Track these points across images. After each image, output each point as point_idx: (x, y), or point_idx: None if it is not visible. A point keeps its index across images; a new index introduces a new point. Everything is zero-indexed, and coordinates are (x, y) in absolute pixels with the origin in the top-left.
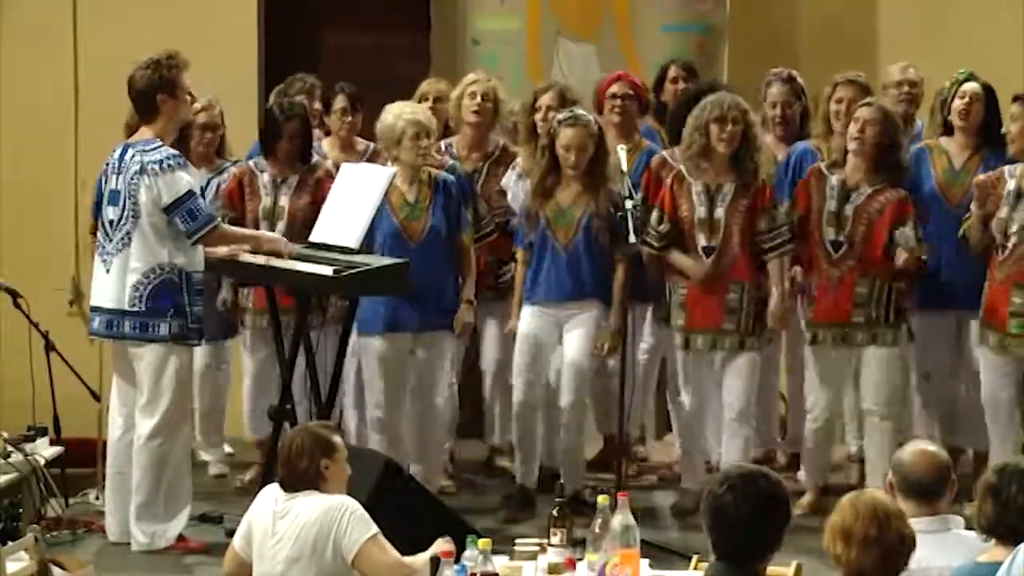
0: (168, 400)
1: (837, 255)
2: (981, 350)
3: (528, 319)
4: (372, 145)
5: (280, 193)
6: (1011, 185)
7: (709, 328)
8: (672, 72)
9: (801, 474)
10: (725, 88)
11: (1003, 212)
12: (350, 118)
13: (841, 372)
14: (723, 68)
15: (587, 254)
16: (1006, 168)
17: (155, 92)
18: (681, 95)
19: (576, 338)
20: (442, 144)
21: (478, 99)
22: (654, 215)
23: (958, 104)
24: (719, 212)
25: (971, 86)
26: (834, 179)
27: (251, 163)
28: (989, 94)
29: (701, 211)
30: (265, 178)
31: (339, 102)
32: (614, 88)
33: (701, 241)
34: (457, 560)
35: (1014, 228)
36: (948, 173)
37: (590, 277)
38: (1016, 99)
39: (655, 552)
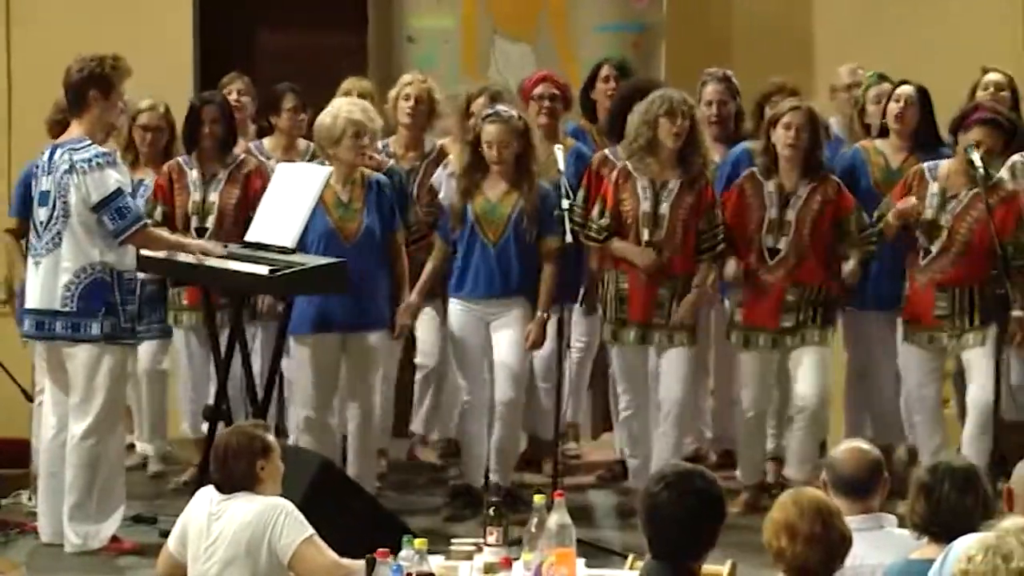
0: (102, 400)
1: (773, 262)
2: (905, 347)
3: (457, 316)
4: (313, 144)
5: (210, 189)
6: (934, 188)
7: (642, 322)
8: (604, 71)
9: (739, 473)
10: (663, 85)
11: (928, 214)
12: (302, 116)
13: (771, 369)
14: (660, 68)
15: (516, 251)
16: (925, 167)
17: (89, 87)
18: (618, 92)
19: (507, 338)
20: (379, 144)
21: (411, 101)
22: (595, 210)
23: (893, 107)
24: (664, 208)
25: (906, 89)
26: (771, 185)
27: (180, 159)
28: (923, 95)
29: (646, 206)
30: (194, 175)
31: (289, 101)
32: (539, 89)
33: (644, 236)
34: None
35: (943, 233)
36: (885, 173)
37: (518, 274)
38: None
39: (591, 551)
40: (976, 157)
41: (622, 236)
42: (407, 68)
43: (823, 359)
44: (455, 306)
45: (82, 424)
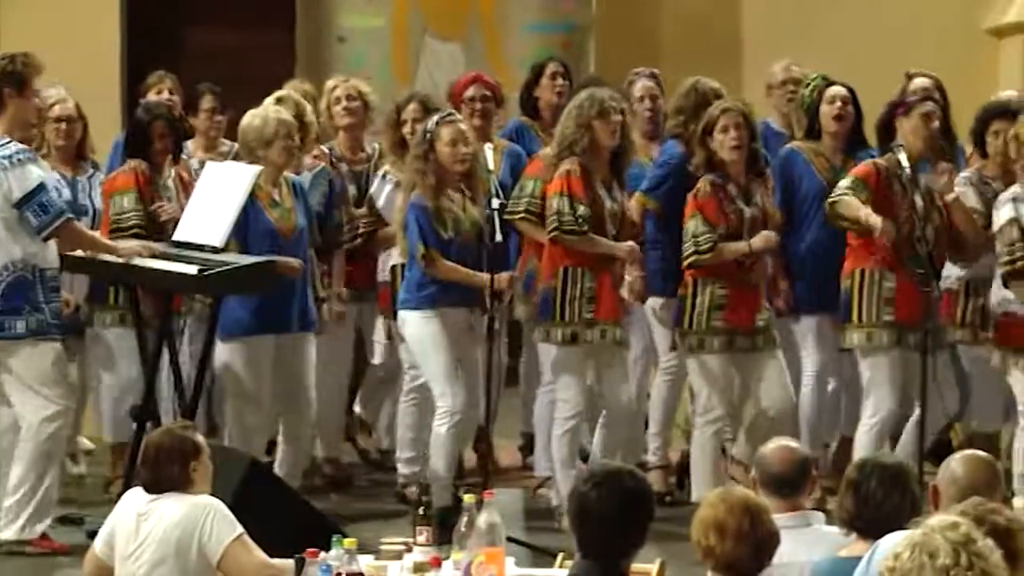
0: (48, 390)
1: (748, 261)
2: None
3: (438, 324)
4: (236, 146)
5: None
6: (895, 187)
7: (613, 320)
8: (551, 69)
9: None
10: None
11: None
12: (219, 117)
13: (733, 374)
14: (589, 67)
15: (480, 255)
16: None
17: (2, 85)
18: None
19: (468, 342)
20: (325, 148)
21: (344, 102)
22: (565, 202)
23: (830, 109)
24: (616, 206)
25: (839, 90)
26: (732, 187)
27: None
28: (852, 95)
29: (608, 203)
30: None
31: (207, 102)
32: (471, 91)
33: (611, 232)
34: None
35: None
36: (832, 173)
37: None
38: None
39: (520, 550)
40: (903, 158)
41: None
42: (336, 67)
43: (783, 364)
44: (432, 313)
45: (39, 415)
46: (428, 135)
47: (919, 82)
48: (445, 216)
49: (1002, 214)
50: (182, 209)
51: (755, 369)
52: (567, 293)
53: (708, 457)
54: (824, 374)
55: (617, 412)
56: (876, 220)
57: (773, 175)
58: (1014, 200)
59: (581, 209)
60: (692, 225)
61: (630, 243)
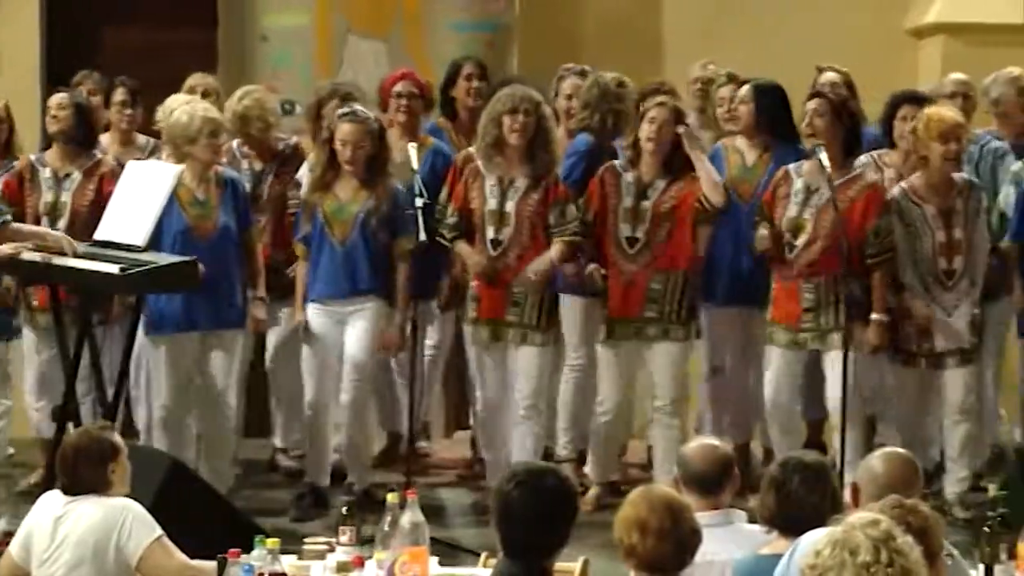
0: None
1: (633, 251)
2: (769, 348)
3: (312, 317)
4: (153, 141)
5: (62, 189)
6: (799, 184)
7: (494, 319)
8: (467, 70)
9: (588, 468)
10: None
11: (792, 211)
12: (130, 111)
13: (632, 366)
14: (513, 66)
15: (364, 251)
16: (791, 167)
17: None
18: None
19: (357, 336)
20: (233, 144)
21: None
22: (448, 209)
23: (720, 112)
24: (509, 205)
25: (725, 91)
26: (629, 177)
27: (32, 157)
28: (772, 91)
29: (492, 203)
30: (47, 173)
31: (118, 95)
32: (399, 87)
33: (489, 233)
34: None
35: (808, 227)
36: (740, 170)
37: (367, 274)
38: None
39: (444, 549)
40: (823, 157)
41: (471, 235)
42: (258, 66)
43: (683, 354)
44: (311, 308)
45: None
46: (331, 126)
47: (827, 76)
48: (323, 208)
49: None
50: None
51: (647, 359)
52: (464, 292)
53: (602, 444)
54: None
55: (520, 406)
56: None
57: None
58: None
59: (452, 218)
60: (571, 209)
61: (478, 259)
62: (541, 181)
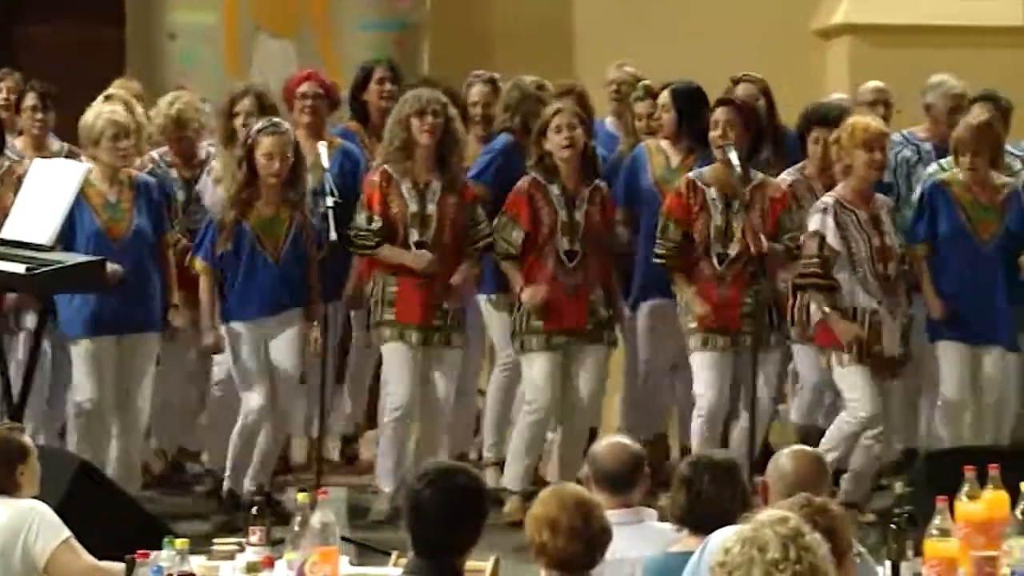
0: None
1: (572, 264)
2: (699, 354)
3: (241, 339)
4: (67, 145)
5: None
6: (712, 192)
7: (422, 324)
8: (378, 73)
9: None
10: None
11: (717, 220)
12: (41, 115)
13: (567, 368)
14: (423, 66)
15: (297, 264)
16: (692, 175)
17: None
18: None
19: (285, 345)
20: (155, 154)
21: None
22: (363, 216)
23: (644, 122)
24: (430, 208)
25: (642, 106)
26: (555, 189)
27: None
28: (691, 95)
29: (413, 207)
30: None
31: (29, 100)
32: (304, 88)
33: (413, 236)
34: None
35: (738, 234)
36: (664, 171)
37: (299, 286)
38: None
39: (355, 549)
40: (733, 157)
41: (392, 239)
42: (166, 65)
43: (605, 359)
44: (237, 328)
45: None
46: (249, 141)
47: (742, 88)
48: (250, 225)
49: (810, 224)
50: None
51: (579, 364)
52: (374, 295)
53: (525, 447)
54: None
55: (432, 408)
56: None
57: (619, 174)
58: (824, 212)
59: (373, 223)
60: (498, 223)
61: (419, 253)
62: (455, 182)
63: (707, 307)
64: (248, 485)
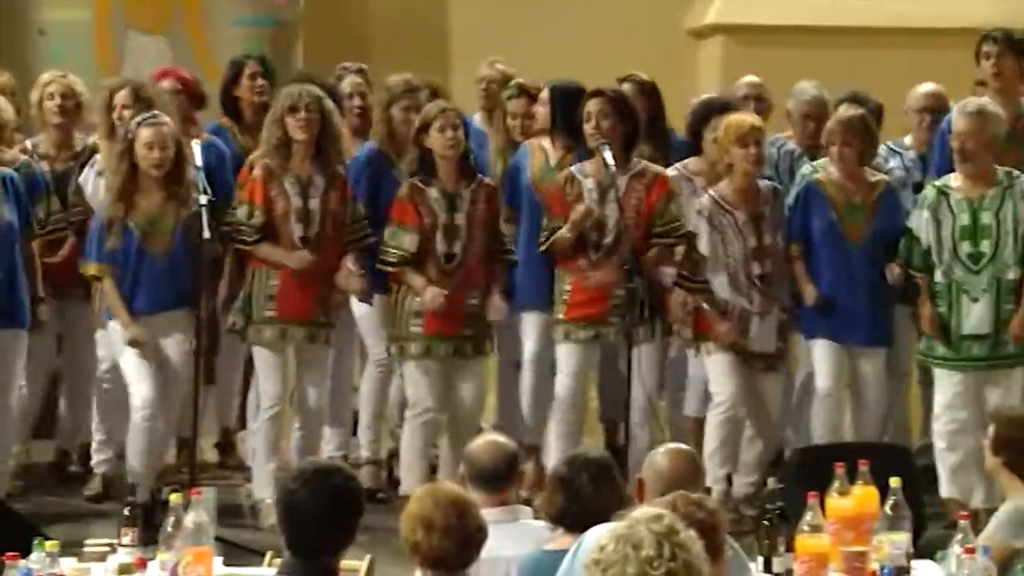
0: None
1: (450, 266)
2: (566, 346)
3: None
4: None
5: None
6: (589, 184)
7: (303, 320)
8: (249, 68)
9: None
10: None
11: (594, 211)
12: None
13: (450, 377)
14: (298, 62)
15: (185, 260)
16: (573, 170)
17: None
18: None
19: (175, 343)
20: (28, 144)
21: (58, 99)
22: (243, 211)
23: (519, 121)
24: (313, 204)
25: (513, 105)
26: (434, 191)
27: None
28: (569, 92)
29: (297, 201)
30: None
31: None
32: (164, 84)
33: (297, 232)
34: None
35: (611, 224)
36: (544, 170)
37: (186, 282)
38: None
39: (229, 549)
40: (608, 155)
41: (274, 235)
42: (38, 62)
43: (485, 369)
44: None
45: None
46: (129, 135)
47: (626, 88)
48: (135, 222)
49: (691, 223)
50: None
51: (460, 371)
52: (253, 291)
53: (417, 451)
54: (537, 364)
55: (302, 409)
56: (575, 215)
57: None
58: (699, 214)
59: (255, 218)
60: (387, 233)
61: (299, 253)
62: (335, 178)
63: (577, 297)
64: (132, 480)
